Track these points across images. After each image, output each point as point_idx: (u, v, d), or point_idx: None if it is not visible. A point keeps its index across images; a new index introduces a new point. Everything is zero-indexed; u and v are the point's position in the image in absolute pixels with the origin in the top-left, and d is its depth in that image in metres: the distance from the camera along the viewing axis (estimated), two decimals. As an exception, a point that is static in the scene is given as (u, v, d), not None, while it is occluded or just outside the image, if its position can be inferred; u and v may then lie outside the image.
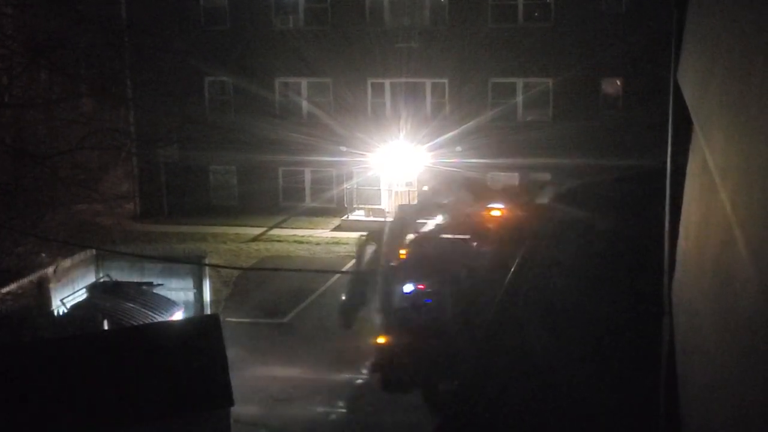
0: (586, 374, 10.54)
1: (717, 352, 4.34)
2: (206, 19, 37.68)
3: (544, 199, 23.85)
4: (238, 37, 37.14)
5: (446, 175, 32.38)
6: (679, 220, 6.66)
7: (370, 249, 23.62)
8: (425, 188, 33.20)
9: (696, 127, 5.90)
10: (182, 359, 15.28)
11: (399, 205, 31.07)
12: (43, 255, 28.28)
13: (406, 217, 25.10)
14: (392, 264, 22.88)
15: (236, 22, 37.34)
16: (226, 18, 37.51)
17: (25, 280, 24.73)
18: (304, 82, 37.74)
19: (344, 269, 29.87)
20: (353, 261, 24.49)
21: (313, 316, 26.78)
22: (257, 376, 22.97)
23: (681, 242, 6.53)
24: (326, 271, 29.61)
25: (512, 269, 15.30)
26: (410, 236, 23.87)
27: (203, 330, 16.66)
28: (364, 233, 24.69)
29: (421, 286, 21.34)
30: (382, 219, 35.48)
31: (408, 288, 21.41)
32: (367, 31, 36.50)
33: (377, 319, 22.30)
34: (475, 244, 22.16)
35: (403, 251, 23.00)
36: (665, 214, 7.01)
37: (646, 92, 32.75)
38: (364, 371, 22.68)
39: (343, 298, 23.61)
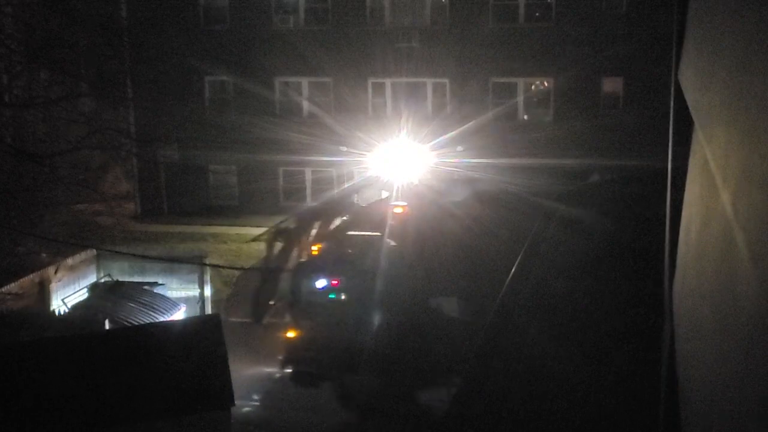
0: (586, 377, 10.49)
1: (717, 355, 4.30)
2: (206, 18, 37.64)
3: (456, 197, 24.42)
4: (238, 37, 37.10)
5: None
6: (680, 222, 6.63)
7: (278, 245, 23.98)
8: (339, 189, 33.70)
9: (697, 127, 5.87)
10: (183, 359, 15.28)
11: (313, 203, 31.41)
12: (44, 255, 28.28)
13: (315, 215, 25.66)
14: (303, 260, 23.32)
15: (236, 22, 37.30)
16: (226, 17, 37.48)
17: (25, 280, 24.74)
18: (304, 82, 37.71)
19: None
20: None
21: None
22: (258, 376, 22.96)
23: (681, 244, 6.50)
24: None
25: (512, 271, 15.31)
26: (320, 233, 24.45)
27: (204, 330, 16.66)
28: (272, 229, 25.04)
29: (334, 282, 21.81)
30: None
31: (321, 283, 21.82)
32: (368, 30, 36.48)
33: (287, 313, 22.71)
34: (390, 241, 22.75)
35: (315, 247, 23.51)
36: (665, 215, 6.98)
37: (647, 92, 32.78)
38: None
39: (254, 292, 23.97)
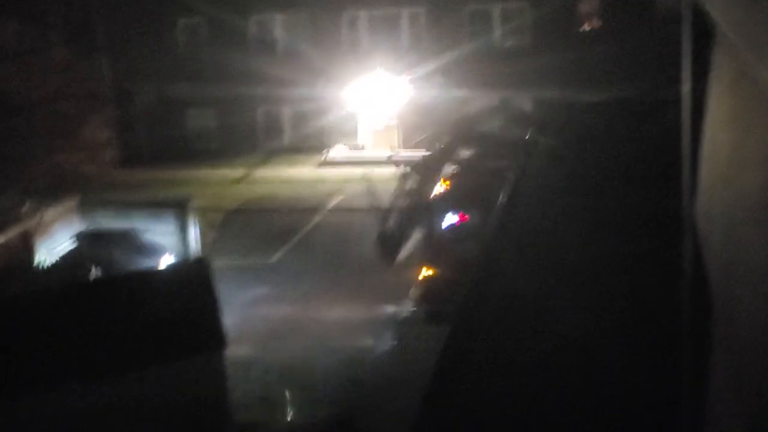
0: (584, 321, 9.72)
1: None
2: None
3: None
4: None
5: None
6: (699, 144, 6.42)
7: (411, 181, 22.81)
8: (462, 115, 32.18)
9: (723, 45, 5.62)
10: (173, 304, 15.17)
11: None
12: (26, 207, 28.04)
13: (445, 148, 24.36)
14: (434, 195, 22.42)
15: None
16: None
17: (8, 233, 24.57)
18: (279, 18, 37.33)
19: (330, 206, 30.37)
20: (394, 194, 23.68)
21: (299, 255, 26.99)
22: (247, 317, 22.97)
23: (706, 166, 6.29)
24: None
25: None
26: (452, 167, 23.33)
27: (193, 273, 16.59)
28: (407, 166, 23.80)
29: (465, 217, 21.08)
30: (363, 154, 35.56)
31: (451, 218, 21.16)
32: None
33: (421, 251, 22.05)
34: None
35: (446, 181, 22.58)
36: (680, 139, 6.78)
37: (626, 14, 32.62)
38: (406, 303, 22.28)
39: (383, 231, 22.86)
